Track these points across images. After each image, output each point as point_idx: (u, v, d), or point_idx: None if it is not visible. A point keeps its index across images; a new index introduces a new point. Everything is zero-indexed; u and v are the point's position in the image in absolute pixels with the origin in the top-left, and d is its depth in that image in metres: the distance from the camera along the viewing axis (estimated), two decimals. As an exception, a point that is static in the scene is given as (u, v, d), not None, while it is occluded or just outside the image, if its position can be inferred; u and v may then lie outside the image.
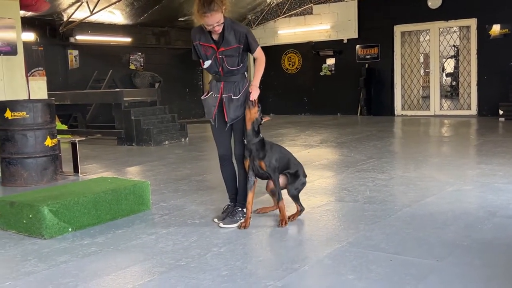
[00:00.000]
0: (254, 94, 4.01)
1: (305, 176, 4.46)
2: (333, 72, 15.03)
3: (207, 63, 4.09)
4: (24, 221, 4.15)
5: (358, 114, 14.45)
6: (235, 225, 4.16)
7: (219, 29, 3.93)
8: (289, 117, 14.56)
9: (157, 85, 12.90)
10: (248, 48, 4.04)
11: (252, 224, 4.19)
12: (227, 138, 4.30)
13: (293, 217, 4.31)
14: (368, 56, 14.38)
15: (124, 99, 9.99)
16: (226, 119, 4.13)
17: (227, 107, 4.10)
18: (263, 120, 4.16)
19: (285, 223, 4.15)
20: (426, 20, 13.45)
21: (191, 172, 6.85)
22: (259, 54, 4.09)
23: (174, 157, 8.26)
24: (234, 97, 4.08)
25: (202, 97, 4.30)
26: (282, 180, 4.30)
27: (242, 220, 4.17)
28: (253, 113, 4.06)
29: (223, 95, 4.11)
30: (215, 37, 4.02)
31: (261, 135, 4.18)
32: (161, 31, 14.49)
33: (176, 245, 3.78)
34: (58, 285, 3.15)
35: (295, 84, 15.49)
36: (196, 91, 16.05)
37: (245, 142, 4.15)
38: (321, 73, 15.22)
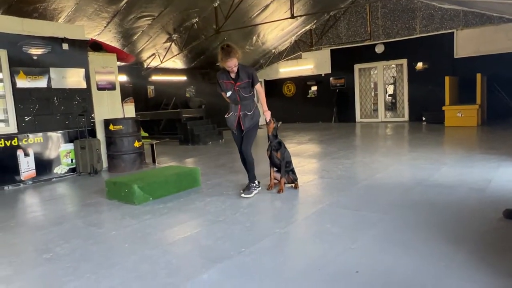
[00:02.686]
0: (267, 116, 4.17)
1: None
2: (315, 94, 14.91)
3: (229, 93, 4.07)
4: (122, 194, 4.22)
5: (332, 121, 14.33)
6: (251, 195, 4.10)
7: (235, 69, 3.95)
8: (288, 125, 14.47)
9: (203, 106, 12.93)
10: (253, 83, 4.04)
11: (264, 194, 4.20)
12: (240, 140, 4.24)
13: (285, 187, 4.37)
14: (338, 84, 14.22)
15: (183, 115, 10.05)
16: (243, 128, 4.11)
17: (243, 120, 4.09)
18: (278, 126, 4.30)
19: (282, 191, 4.20)
20: (375, 60, 13.26)
21: (225, 161, 6.87)
22: (258, 87, 4.11)
23: (215, 152, 8.29)
24: (249, 113, 4.09)
25: (225, 116, 4.23)
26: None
27: (256, 191, 4.19)
28: (271, 126, 4.23)
29: (240, 113, 4.11)
30: (233, 76, 4.02)
31: (278, 137, 4.32)
32: (205, 72, 14.53)
33: (216, 208, 3.81)
34: (145, 234, 3.20)
35: (291, 103, 15.41)
36: (226, 110, 16.00)
37: (269, 141, 4.27)
38: (308, 96, 15.11)
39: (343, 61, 13.88)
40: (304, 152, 7.28)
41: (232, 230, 3.14)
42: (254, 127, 4.16)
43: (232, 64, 3.89)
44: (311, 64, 14.85)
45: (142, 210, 3.90)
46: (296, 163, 6.04)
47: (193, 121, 10.18)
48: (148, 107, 12.21)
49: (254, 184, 4.22)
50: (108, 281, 2.35)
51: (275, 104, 16.00)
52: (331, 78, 14.40)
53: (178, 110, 11.24)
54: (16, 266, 2.71)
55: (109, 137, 6.33)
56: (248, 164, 4.21)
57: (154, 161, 6.94)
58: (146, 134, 11.23)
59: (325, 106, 14.41)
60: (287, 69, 15.56)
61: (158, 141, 8.00)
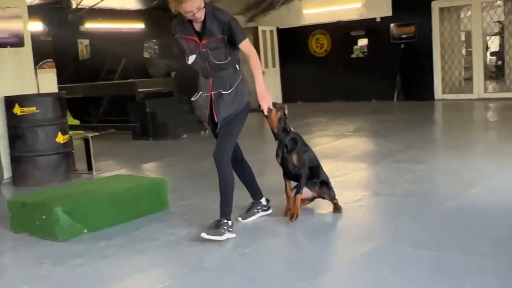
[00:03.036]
0: (264, 105, 3.96)
1: None
2: (365, 54, 14.90)
3: (192, 58, 3.92)
4: (37, 223, 4.24)
5: (395, 99, 14.30)
6: (220, 237, 3.80)
7: (200, 15, 3.74)
8: (318, 105, 14.49)
9: (173, 74, 12.94)
10: (233, 40, 3.82)
11: (279, 223, 4.22)
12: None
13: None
14: (403, 36, 14.19)
15: (139, 90, 10.10)
16: (216, 119, 3.95)
17: (216, 105, 3.92)
18: (286, 113, 4.21)
19: (297, 216, 4.18)
20: (467, -6, 13.23)
21: (212, 166, 6.84)
22: (247, 48, 3.90)
23: (193, 151, 8.33)
24: (224, 92, 3.89)
25: (192, 99, 4.16)
26: (313, 190, 4.45)
27: (229, 235, 3.87)
28: (273, 119, 4.16)
29: (213, 92, 3.94)
30: (198, 27, 3.84)
31: (291, 131, 4.29)
32: (176, 16, 14.55)
33: (198, 245, 3.81)
34: (75, 289, 3.24)
35: (325, 68, 15.39)
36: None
37: (277, 142, 4.28)
38: (353, 56, 15.10)
39: (413, -6, 13.85)
40: (346, 152, 7.30)
41: (224, 283, 3.15)
42: (237, 118, 3.96)
43: (193, 7, 3.69)
44: (357, 2, 14.83)
45: (71, 250, 3.92)
46: (332, 170, 6.06)
47: (156, 100, 10.23)
48: (79, 75, 12.27)
49: (226, 221, 3.90)
50: None
51: (297, 69, 16.07)
52: (392, 25, 14.38)
53: (131, 81, 11.26)
54: None
55: (14, 127, 6.38)
56: (223, 186, 3.98)
57: (90, 167, 7.00)
58: (77, 122, 11.30)
59: (382, 74, 14.41)
60: (316, 11, 15.56)
61: (98, 134, 8.04)
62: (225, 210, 3.95)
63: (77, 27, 12.43)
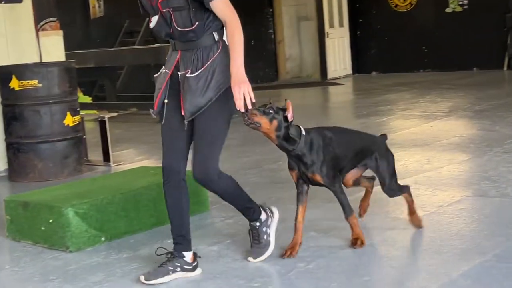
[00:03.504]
0: (237, 95, 3.36)
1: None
2: (465, 7, 14.63)
3: (154, 20, 3.59)
4: (43, 228, 4.35)
5: (505, 68, 14.03)
6: (263, 257, 3.82)
7: None
8: (401, 76, 14.34)
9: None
10: None
11: (350, 233, 4.21)
12: (180, 142, 3.72)
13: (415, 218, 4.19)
14: (518, -17, 13.92)
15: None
16: (183, 112, 3.57)
17: (183, 91, 3.55)
18: (289, 115, 3.69)
19: (362, 242, 3.91)
20: None
21: (262, 157, 6.91)
22: (221, 9, 3.47)
23: (237, 136, 8.33)
24: (190, 75, 3.50)
25: (154, 75, 3.79)
26: (356, 172, 4.19)
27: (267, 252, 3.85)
28: (264, 123, 3.61)
29: (179, 73, 3.57)
30: None
31: (303, 132, 3.80)
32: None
33: (244, 260, 3.85)
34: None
35: (410, 27, 15.19)
36: (265, 43, 16.10)
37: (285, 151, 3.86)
38: (448, 10, 14.85)
39: None
40: (439, 139, 7.22)
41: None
42: (215, 109, 3.57)
43: None
44: None
45: (85, 263, 3.99)
46: (421, 162, 6.00)
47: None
48: (91, 39, 12.46)
49: (258, 225, 3.91)
50: None
51: (372, 30, 15.83)
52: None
53: (157, 45, 11.35)
54: None
55: (11, 106, 6.55)
56: (229, 199, 3.91)
57: (106, 157, 7.14)
58: (89, 99, 11.50)
59: (487, 34, 14.14)
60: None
61: (116, 114, 8.15)
62: (250, 215, 3.88)
63: (87, -23, 12.65)
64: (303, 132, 3.76)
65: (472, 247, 3.90)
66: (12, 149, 6.61)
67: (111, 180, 5.20)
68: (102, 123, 7.14)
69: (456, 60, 14.55)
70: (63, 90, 6.59)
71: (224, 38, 3.62)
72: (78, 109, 6.81)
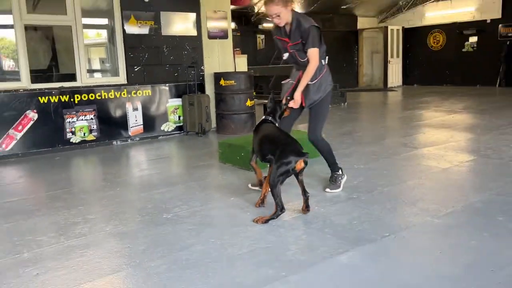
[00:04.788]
0: (292, 105, 3.49)
1: (299, 155, 3.05)
2: (474, 48, 13.57)
3: (285, 55, 3.58)
4: (238, 158, 4.56)
5: (497, 86, 12.93)
6: (339, 189, 3.68)
7: (278, 21, 3.41)
8: (431, 88, 13.59)
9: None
10: (305, 45, 3.39)
11: (407, 172, 4.09)
12: (291, 120, 3.72)
13: (261, 219, 3.04)
14: (510, 34, 12.67)
15: (298, 71, 10.18)
16: (303, 104, 3.56)
17: (304, 92, 3.51)
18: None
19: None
20: None
21: (352, 129, 6.83)
22: (311, 56, 3.39)
23: (337, 117, 8.27)
24: (310, 83, 3.49)
25: (282, 82, 3.79)
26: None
27: (343, 180, 3.72)
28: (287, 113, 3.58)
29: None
30: (287, 30, 3.47)
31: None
32: (327, 17, 14.29)
33: (347, 182, 3.83)
34: (266, 202, 3.44)
35: (439, 59, 14.31)
36: (352, 65, 15.69)
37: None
38: (464, 49, 13.82)
39: (523, 0, 12.23)
40: (458, 124, 6.82)
41: (370, 210, 3.18)
42: (323, 102, 3.59)
43: (272, 12, 3.36)
44: (471, 6, 13.46)
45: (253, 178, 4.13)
46: (447, 137, 5.73)
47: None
48: (256, 60, 12.64)
49: (339, 173, 3.76)
50: (235, 249, 2.63)
51: (416, 59, 15.10)
52: (500, 26, 12.91)
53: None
54: (138, 223, 3.19)
55: (219, 94, 6.78)
56: (324, 153, 3.75)
57: (266, 124, 7.23)
58: (254, 93, 11.70)
59: (487, 64, 13.08)
60: (435, 14, 14.41)
61: (271, 101, 8.27)
62: (333, 167, 3.76)
63: (256, 26, 12.74)
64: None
65: (482, 185, 3.72)
66: (219, 116, 6.86)
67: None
68: (264, 105, 7.24)
69: (467, 79, 13.56)
70: (246, 87, 6.75)
71: (326, 62, 3.60)
72: (253, 97, 6.95)
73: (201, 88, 6.92)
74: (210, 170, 4.62)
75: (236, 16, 12.03)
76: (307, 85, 3.48)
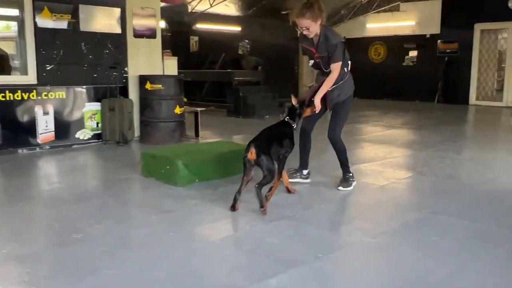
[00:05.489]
0: (312, 109, 4.00)
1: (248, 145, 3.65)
2: (414, 63, 14.43)
3: (311, 62, 4.15)
4: (162, 171, 4.45)
5: (435, 102, 13.82)
6: (350, 187, 4.21)
7: (308, 33, 3.92)
8: (371, 101, 14.20)
9: (259, 68, 13.03)
10: (330, 59, 3.92)
11: (347, 192, 4.23)
12: (316, 117, 4.23)
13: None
14: (448, 50, 13.63)
15: (235, 78, 10.24)
16: (327, 105, 4.11)
17: (327, 96, 4.04)
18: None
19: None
20: (505, 19, 12.48)
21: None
22: (334, 68, 3.92)
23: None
24: (334, 87, 4.02)
25: (308, 85, 4.34)
26: None
27: (354, 182, 4.27)
28: (307, 114, 4.04)
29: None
30: (315, 41, 3.98)
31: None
32: (266, 22, 14.54)
33: (283, 199, 3.88)
34: (192, 222, 3.40)
35: (379, 72, 15.05)
36: (292, 75, 16.03)
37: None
38: (404, 63, 14.66)
39: (459, 17, 13.22)
40: (396, 140, 7.17)
41: (305, 229, 3.23)
42: (344, 104, 4.12)
43: (302, 25, 3.90)
44: (412, 20, 14.33)
45: (186, 193, 4.09)
46: (386, 153, 5.98)
47: (246, 87, 10.33)
48: (189, 64, 12.53)
49: (351, 175, 4.28)
50: (154, 273, 2.55)
51: (357, 71, 15.63)
52: (439, 41, 13.83)
53: (229, 70, 11.42)
54: (42, 244, 3.00)
55: (145, 99, 6.63)
56: (339, 153, 4.24)
57: (197, 134, 7.19)
58: (185, 99, 11.58)
59: (426, 80, 13.93)
60: (377, 25, 15.17)
61: (204, 109, 8.24)
62: (346, 169, 4.27)
63: (190, 26, 12.68)
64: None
65: (416, 203, 3.92)
66: (143, 124, 6.69)
67: (202, 147, 5.28)
68: (195, 113, 7.25)
69: (406, 94, 14.37)
70: (175, 92, 6.67)
71: (349, 68, 4.14)
72: (183, 104, 6.88)
73: (124, 91, 6.73)
74: (130, 184, 4.49)
75: (168, 14, 11.91)
76: (330, 91, 4.03)
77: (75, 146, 6.38)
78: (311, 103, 4.01)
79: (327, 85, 3.97)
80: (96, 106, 6.53)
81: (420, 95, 14.13)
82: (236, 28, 13.72)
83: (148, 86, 6.51)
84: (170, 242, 3.00)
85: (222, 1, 12.04)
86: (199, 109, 7.39)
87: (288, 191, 4.05)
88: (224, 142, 5.54)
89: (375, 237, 3.10)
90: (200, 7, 12.19)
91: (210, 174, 4.51)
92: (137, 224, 3.37)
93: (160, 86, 6.50)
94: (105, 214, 3.53)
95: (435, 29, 13.80)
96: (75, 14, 6.21)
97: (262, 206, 3.50)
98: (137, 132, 6.81)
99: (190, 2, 12.19)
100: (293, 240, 3.03)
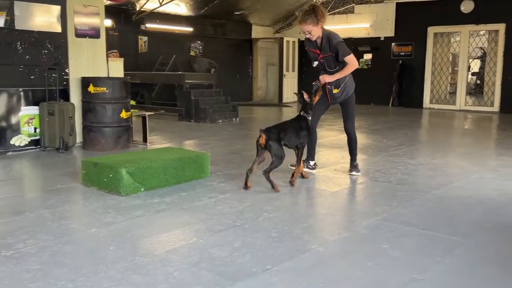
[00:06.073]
0: (322, 80, 4.81)
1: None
2: (369, 66, 14.79)
3: (315, 63, 4.83)
4: (105, 180, 4.32)
5: (390, 105, 14.21)
6: (359, 172, 5.05)
7: (310, 37, 4.63)
8: (327, 105, 14.49)
9: (212, 70, 12.97)
10: (337, 57, 4.63)
11: (297, 196, 4.24)
12: (319, 112, 5.02)
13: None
14: (402, 53, 14.06)
15: (186, 81, 10.13)
16: (330, 101, 4.97)
17: (330, 93, 4.87)
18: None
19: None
20: (458, 23, 13.02)
21: (242, 147, 6.93)
22: (349, 60, 4.65)
23: (226, 134, 8.37)
24: (334, 92, 4.85)
25: (313, 83, 4.97)
26: None
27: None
28: (318, 95, 4.84)
29: (328, 86, 4.85)
30: (318, 43, 4.68)
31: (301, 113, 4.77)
32: (219, 23, 14.54)
33: (232, 208, 3.88)
34: (135, 235, 3.30)
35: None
36: (246, 77, 16.08)
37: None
38: (359, 67, 15.02)
39: (413, 21, 13.69)
40: (351, 144, 7.25)
41: (253, 239, 3.20)
42: (349, 101, 4.94)
43: (304, 30, 4.57)
44: (366, 23, 14.69)
45: (131, 203, 3.99)
46: (339, 157, 6.06)
47: (199, 90, 10.25)
48: (137, 65, 12.34)
49: (357, 162, 5.11)
50: (89, 292, 2.44)
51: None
52: (393, 44, 14.24)
53: (180, 73, 11.29)
54: (-33, 262, 2.82)
55: (87, 102, 6.44)
56: (351, 144, 5.09)
57: (145, 139, 7.05)
58: (133, 103, 11.36)
59: (381, 83, 14.30)
60: (331, 27, 15.23)
61: (153, 113, 8.10)
62: (355, 157, 5.10)
63: (138, 26, 12.47)
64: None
65: (369, 210, 3.96)
66: (86, 129, 6.50)
67: (148, 154, 5.16)
68: (143, 118, 7.09)
69: (361, 97, 14.61)
70: (121, 95, 6.51)
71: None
72: (130, 108, 6.73)
73: (65, 94, 6.53)
74: (70, 194, 4.32)
75: (114, 13, 11.67)
76: (333, 93, 4.83)
77: (10, 153, 6.11)
78: (316, 92, 4.77)
79: (344, 72, 4.67)
80: (33, 110, 6.29)
81: (375, 99, 14.49)
82: (188, 29, 13.61)
83: (91, 89, 6.33)
84: (111, 258, 2.89)
85: (172, 0, 11.89)
86: (147, 113, 7.23)
87: (302, 176, 4.85)
88: (173, 148, 5.45)
89: (326, 246, 3.11)
90: (149, 6, 12.00)
91: (157, 182, 4.43)
92: (75, 239, 3.23)
93: (105, 89, 6.33)
94: (40, 229, 3.37)
95: (389, 32, 14.20)
96: (10, 11, 5.95)
97: (273, 187, 4.29)
98: (79, 138, 6.61)
99: (138, 1, 11.97)
100: (241, 251, 3.00)
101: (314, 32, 4.58)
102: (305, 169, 5.00)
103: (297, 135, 4.55)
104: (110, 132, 6.43)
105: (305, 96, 4.67)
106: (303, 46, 4.95)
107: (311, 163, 5.15)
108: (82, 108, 6.54)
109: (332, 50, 4.63)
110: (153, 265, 2.79)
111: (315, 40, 4.69)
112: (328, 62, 4.71)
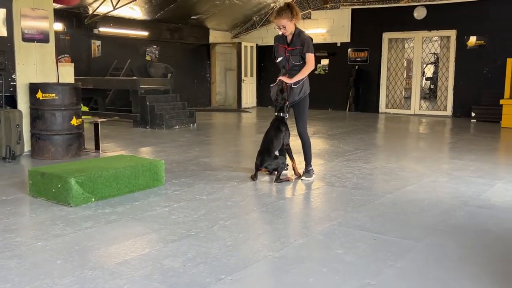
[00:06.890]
0: (281, 79, 4.98)
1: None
2: (326, 71, 15.02)
3: (280, 59, 5.04)
4: (53, 190, 4.19)
5: (347, 110, 14.47)
6: (311, 178, 5.15)
7: (284, 31, 4.87)
8: (285, 110, 14.60)
9: (169, 75, 12.84)
10: (302, 50, 4.86)
11: (253, 202, 4.24)
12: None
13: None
14: (358, 59, 14.36)
15: (141, 86, 9.97)
16: (287, 101, 5.06)
17: (290, 92, 5.03)
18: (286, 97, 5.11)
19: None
20: (412, 29, 13.43)
21: (199, 154, 6.89)
22: (308, 59, 4.89)
23: (183, 140, 8.29)
24: (294, 86, 5.00)
25: (271, 85, 5.16)
26: None
27: (314, 175, 5.29)
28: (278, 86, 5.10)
29: (286, 83, 4.98)
30: (289, 40, 4.93)
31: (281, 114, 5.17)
32: (175, 27, 14.42)
33: (186, 217, 3.84)
34: (84, 247, 3.20)
35: (292, 81, 15.51)
36: (204, 82, 16.01)
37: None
38: (316, 72, 15.20)
39: (369, 27, 14.03)
40: (308, 149, 7.32)
41: (207, 249, 3.17)
42: (303, 102, 5.08)
43: (279, 24, 4.82)
44: (323, 28, 14.93)
45: (80, 214, 3.89)
46: (296, 163, 6.10)
47: (154, 96, 10.12)
48: (91, 70, 12.08)
49: (311, 168, 5.21)
50: (33, 309, 2.35)
51: (270, 80, 16.05)
52: (349, 50, 14.52)
53: (135, 78, 11.12)
54: None
55: (36, 109, 6.25)
56: (305, 147, 5.18)
57: (97, 147, 6.89)
58: (86, 109, 11.12)
59: (338, 88, 14.55)
60: (289, 33, 15.62)
61: (105, 120, 7.94)
62: (309, 162, 5.22)
63: (91, 30, 12.21)
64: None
65: (324, 216, 4.01)
66: (35, 137, 6.30)
67: (100, 162, 5.03)
68: (96, 125, 6.93)
69: (318, 102, 14.84)
70: (71, 102, 6.34)
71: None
72: (81, 114, 6.56)
73: (12, 101, 6.31)
74: (16, 206, 4.16)
75: (66, 16, 11.40)
76: (292, 88, 4.98)
77: (-48, 163, 5.83)
78: (283, 90, 4.98)
79: (302, 74, 4.92)
80: (-23, 117, 6.02)
81: (332, 104, 14.72)
82: (143, 33, 13.44)
83: (39, 95, 6.14)
84: (57, 272, 2.79)
85: (127, 4, 11.72)
86: (100, 119, 7.07)
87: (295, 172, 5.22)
88: (126, 156, 5.34)
89: (281, 253, 3.11)
90: (103, 9, 11.78)
91: (108, 192, 4.34)
92: (19, 253, 3.11)
93: (54, 95, 6.15)
94: (-19, 243, 3.22)
95: (346, 37, 14.49)
96: (-50, 14, 5.71)
97: (288, 180, 5.01)
98: (27, 147, 6.40)
99: (91, 4, 11.73)
100: (195, 261, 2.96)
101: (289, 27, 4.84)
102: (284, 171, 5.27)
103: (280, 140, 5.06)
104: (60, 140, 6.25)
105: (285, 85, 4.95)
106: (261, 51, 5.16)
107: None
108: (30, 115, 6.33)
109: (302, 44, 4.87)
110: (103, 278, 2.72)
111: (286, 36, 4.92)
112: (295, 57, 4.93)
